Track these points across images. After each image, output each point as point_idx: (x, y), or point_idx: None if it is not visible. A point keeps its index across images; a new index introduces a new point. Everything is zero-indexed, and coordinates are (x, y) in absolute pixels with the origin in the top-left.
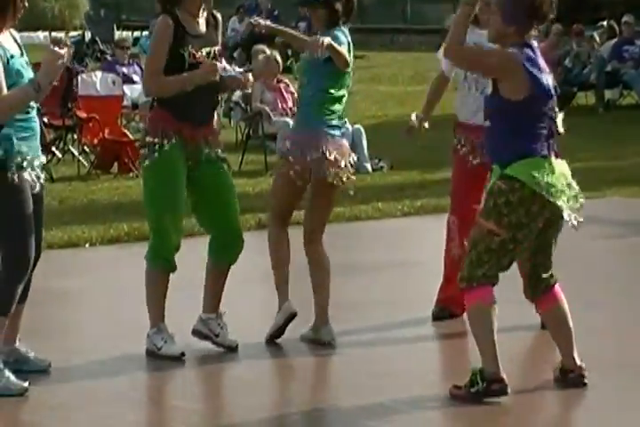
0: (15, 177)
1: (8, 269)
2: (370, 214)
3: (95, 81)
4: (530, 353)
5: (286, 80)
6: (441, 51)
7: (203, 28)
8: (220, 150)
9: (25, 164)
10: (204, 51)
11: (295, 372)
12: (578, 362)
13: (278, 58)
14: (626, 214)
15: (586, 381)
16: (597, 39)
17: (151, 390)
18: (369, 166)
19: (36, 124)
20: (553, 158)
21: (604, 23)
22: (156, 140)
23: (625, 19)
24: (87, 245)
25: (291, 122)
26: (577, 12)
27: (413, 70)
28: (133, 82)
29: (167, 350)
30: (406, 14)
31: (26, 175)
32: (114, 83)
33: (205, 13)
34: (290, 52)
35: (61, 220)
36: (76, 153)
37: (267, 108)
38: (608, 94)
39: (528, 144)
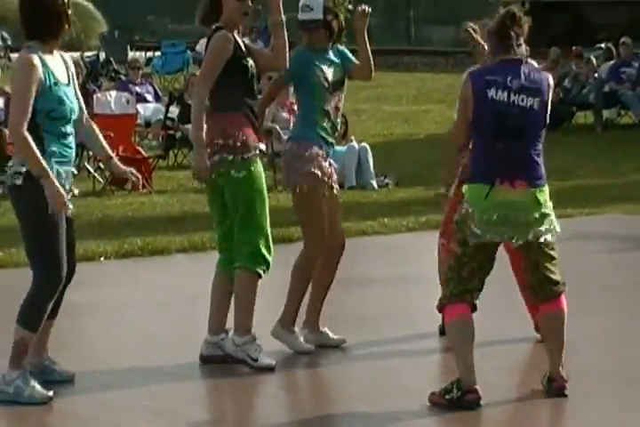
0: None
1: (39, 286)
2: (376, 230)
3: (110, 100)
4: (529, 365)
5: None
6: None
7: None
8: None
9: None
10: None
11: (299, 384)
12: (562, 373)
13: None
14: (624, 230)
15: (566, 392)
16: (595, 61)
17: (164, 401)
18: (375, 183)
19: (73, 151)
20: (499, 186)
21: (602, 45)
22: (250, 152)
23: (623, 41)
24: (102, 259)
25: None
26: (575, 34)
27: (417, 90)
28: (146, 101)
29: (263, 361)
30: (410, 36)
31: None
32: (127, 102)
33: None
34: None
35: (76, 234)
36: (91, 170)
37: (277, 128)
38: (606, 114)
39: (478, 167)
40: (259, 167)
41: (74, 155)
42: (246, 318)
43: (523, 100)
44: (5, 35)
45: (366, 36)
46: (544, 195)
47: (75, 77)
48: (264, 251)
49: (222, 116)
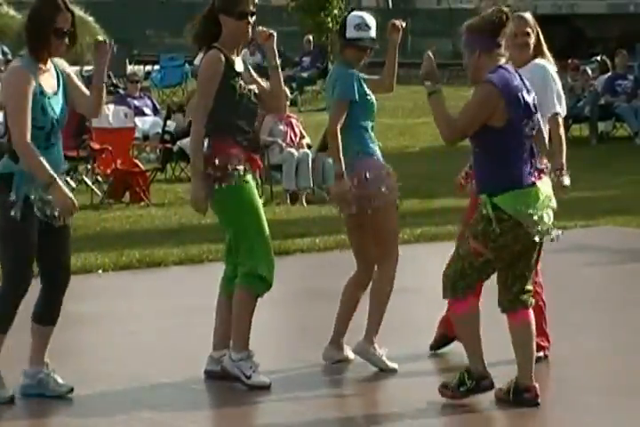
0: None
1: (1, 290)
2: None
3: (108, 114)
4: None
5: (294, 115)
6: None
7: (241, 66)
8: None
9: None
10: (249, 87)
11: (298, 396)
12: (534, 382)
13: (287, 91)
14: (618, 243)
15: (539, 401)
16: (590, 73)
17: (163, 413)
18: None
19: (59, 162)
20: (538, 183)
21: (598, 58)
22: (233, 168)
23: (618, 54)
24: (100, 272)
25: (296, 153)
26: (572, 47)
27: (413, 103)
28: (144, 114)
29: (256, 379)
30: (406, 49)
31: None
32: (126, 115)
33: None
34: (294, 86)
35: (75, 247)
36: (89, 183)
37: (279, 140)
38: (601, 126)
39: (513, 174)
40: (245, 189)
41: (60, 166)
42: (239, 335)
43: (534, 100)
44: (6, 49)
45: (397, 51)
46: None
47: (65, 86)
48: (260, 271)
49: (208, 142)
